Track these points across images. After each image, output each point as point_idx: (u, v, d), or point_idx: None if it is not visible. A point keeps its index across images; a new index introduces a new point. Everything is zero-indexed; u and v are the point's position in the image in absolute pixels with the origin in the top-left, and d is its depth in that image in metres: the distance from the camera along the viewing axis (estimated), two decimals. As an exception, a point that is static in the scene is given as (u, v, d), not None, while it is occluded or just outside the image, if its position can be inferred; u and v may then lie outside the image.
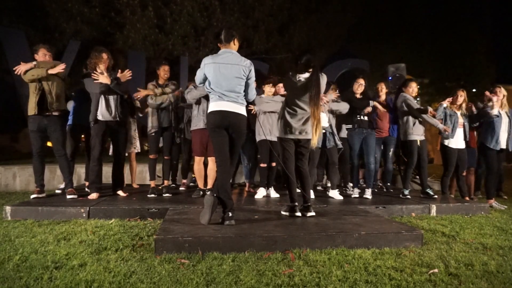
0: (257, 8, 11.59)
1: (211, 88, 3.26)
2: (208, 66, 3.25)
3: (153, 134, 4.80)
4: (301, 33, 12.72)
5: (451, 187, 5.74)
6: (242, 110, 3.30)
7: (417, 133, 4.98)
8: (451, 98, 5.28)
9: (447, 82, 19.02)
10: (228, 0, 11.10)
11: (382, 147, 5.66)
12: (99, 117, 4.43)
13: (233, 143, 3.34)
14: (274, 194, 4.95)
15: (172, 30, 10.72)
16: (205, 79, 3.32)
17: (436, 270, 2.41)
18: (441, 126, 5.08)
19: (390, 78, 6.98)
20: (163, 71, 4.84)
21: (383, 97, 5.53)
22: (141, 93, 4.78)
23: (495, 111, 5.10)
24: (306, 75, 3.59)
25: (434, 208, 4.48)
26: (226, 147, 3.28)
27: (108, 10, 10.61)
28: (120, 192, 4.75)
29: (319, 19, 13.05)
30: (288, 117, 3.63)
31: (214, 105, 3.26)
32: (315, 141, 3.57)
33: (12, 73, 6.85)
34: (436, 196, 4.96)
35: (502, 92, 5.23)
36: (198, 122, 4.57)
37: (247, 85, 3.35)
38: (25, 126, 4.42)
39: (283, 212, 3.71)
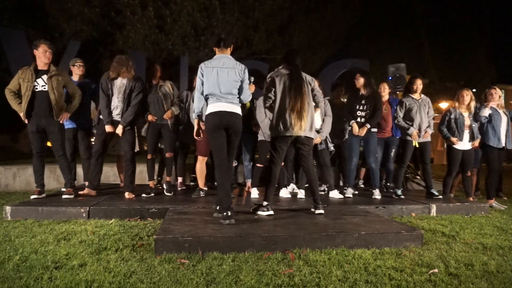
0: (257, 8, 11.60)
1: (209, 92, 3.38)
2: (206, 70, 3.38)
3: (143, 134, 4.89)
4: (301, 33, 12.73)
5: (451, 187, 5.74)
6: (238, 110, 3.46)
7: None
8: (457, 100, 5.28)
9: (447, 82, 19.05)
10: (228, 0, 11.10)
11: (383, 147, 5.64)
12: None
13: (231, 143, 3.47)
14: (285, 194, 4.96)
15: (172, 30, 10.73)
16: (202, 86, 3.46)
17: (436, 270, 2.41)
18: (412, 129, 4.96)
19: (390, 78, 6.98)
20: (155, 72, 4.81)
21: (386, 97, 5.51)
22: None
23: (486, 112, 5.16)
24: (285, 70, 3.77)
25: (434, 208, 4.48)
26: (225, 147, 3.39)
27: (108, 10, 10.62)
28: (126, 194, 4.63)
29: (319, 19, 13.06)
30: (279, 114, 3.69)
31: (212, 107, 3.38)
32: (299, 132, 3.66)
33: (12, 73, 6.85)
34: (441, 196, 4.95)
35: (497, 93, 5.31)
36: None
37: (241, 88, 3.48)
38: (25, 126, 4.40)
39: (259, 212, 3.70)
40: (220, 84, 3.35)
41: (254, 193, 4.92)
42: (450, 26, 19.27)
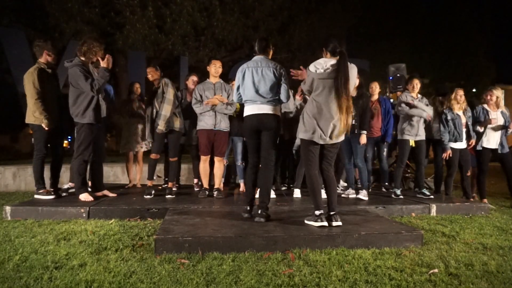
0: (257, 8, 11.59)
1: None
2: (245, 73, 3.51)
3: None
4: (301, 33, 12.72)
5: (472, 188, 5.72)
6: (268, 110, 3.45)
7: (410, 133, 4.92)
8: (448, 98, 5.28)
9: (447, 82, 19.04)
10: (228, 0, 11.10)
11: (373, 147, 5.62)
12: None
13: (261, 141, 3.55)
14: (272, 194, 4.93)
15: (172, 30, 10.72)
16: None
17: (436, 270, 2.41)
18: (425, 114, 4.89)
19: (391, 78, 6.99)
20: (149, 75, 4.72)
21: (375, 96, 5.51)
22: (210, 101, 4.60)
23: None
24: (332, 61, 3.21)
25: (434, 208, 4.47)
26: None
27: (108, 10, 10.61)
28: (108, 193, 4.66)
29: (319, 19, 13.05)
30: (314, 116, 3.22)
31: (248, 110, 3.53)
32: (341, 136, 3.25)
33: (12, 73, 6.85)
34: (432, 196, 4.94)
35: (494, 94, 5.34)
36: (205, 122, 4.60)
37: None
38: (25, 126, 4.39)
39: (307, 222, 3.26)
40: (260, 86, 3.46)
41: (297, 193, 4.96)
42: (450, 26, 19.26)
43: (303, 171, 5.06)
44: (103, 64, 4.19)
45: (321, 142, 3.25)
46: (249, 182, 3.60)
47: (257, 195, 3.98)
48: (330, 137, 3.24)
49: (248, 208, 3.53)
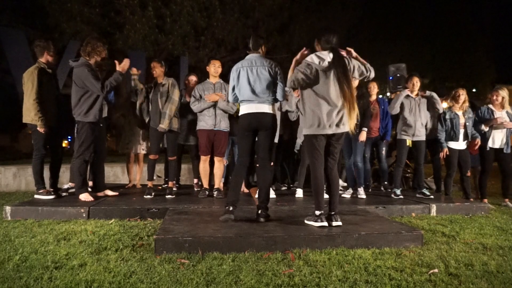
0: (257, 8, 11.60)
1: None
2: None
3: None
4: (301, 33, 12.72)
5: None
6: (266, 109, 3.43)
7: (407, 133, 4.92)
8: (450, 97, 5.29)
9: (447, 82, 19.05)
10: (228, 0, 11.10)
11: (371, 147, 5.62)
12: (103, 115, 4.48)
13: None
14: (271, 194, 4.93)
15: (172, 30, 10.72)
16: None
17: (436, 270, 2.41)
18: (404, 93, 4.92)
19: (391, 78, 6.98)
20: (153, 70, 4.71)
21: (373, 97, 5.52)
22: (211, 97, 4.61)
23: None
24: (329, 55, 3.16)
25: (434, 208, 4.47)
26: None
27: (108, 10, 10.61)
28: (109, 192, 4.69)
29: (319, 19, 13.06)
30: (316, 107, 3.19)
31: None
32: (352, 127, 3.16)
33: (12, 73, 6.85)
34: (432, 196, 4.94)
35: (500, 94, 5.34)
36: (205, 122, 4.61)
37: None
38: (25, 126, 4.36)
39: (307, 222, 3.25)
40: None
41: (299, 193, 4.96)
42: (450, 26, 19.28)
43: (305, 170, 5.07)
44: (118, 68, 4.26)
45: (330, 132, 3.18)
46: (236, 182, 3.48)
47: (256, 195, 3.98)
48: (337, 125, 3.18)
49: (231, 209, 3.33)
